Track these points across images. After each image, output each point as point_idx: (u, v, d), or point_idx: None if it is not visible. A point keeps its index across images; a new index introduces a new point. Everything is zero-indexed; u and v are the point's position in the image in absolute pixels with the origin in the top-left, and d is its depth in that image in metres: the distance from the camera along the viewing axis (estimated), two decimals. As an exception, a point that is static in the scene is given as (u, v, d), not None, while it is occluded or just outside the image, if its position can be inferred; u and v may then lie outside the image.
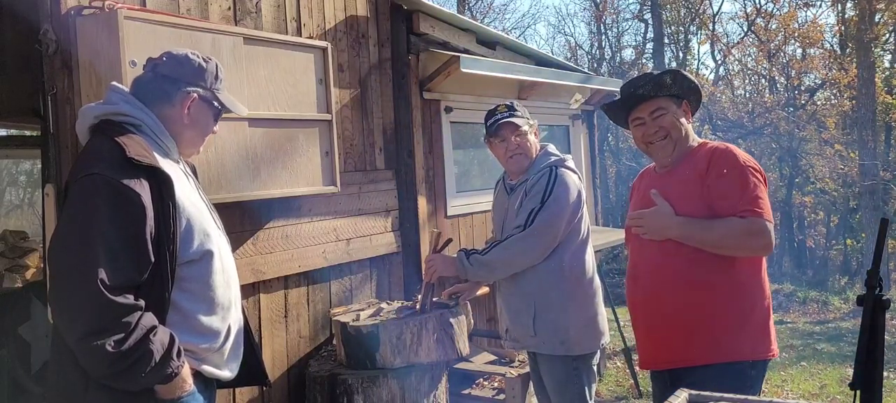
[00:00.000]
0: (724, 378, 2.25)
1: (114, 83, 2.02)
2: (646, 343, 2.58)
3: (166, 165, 1.86)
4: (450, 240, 3.16)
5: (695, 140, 2.51)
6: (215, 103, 2.03)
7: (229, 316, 2.01)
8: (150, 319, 1.75)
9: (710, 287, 2.34)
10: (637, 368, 5.07)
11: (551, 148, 3.03)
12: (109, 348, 1.67)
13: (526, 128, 2.94)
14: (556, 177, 2.84)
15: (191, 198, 1.93)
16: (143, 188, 1.75)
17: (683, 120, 2.48)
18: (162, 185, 1.80)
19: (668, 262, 2.40)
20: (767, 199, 2.34)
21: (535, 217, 2.78)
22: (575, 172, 2.93)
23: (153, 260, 1.77)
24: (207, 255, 1.92)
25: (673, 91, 2.47)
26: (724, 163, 2.35)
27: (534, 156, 2.97)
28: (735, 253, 2.32)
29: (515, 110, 2.95)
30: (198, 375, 1.93)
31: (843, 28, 17.39)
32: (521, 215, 2.83)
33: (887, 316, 1.66)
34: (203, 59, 2.02)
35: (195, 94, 1.97)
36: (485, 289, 3.34)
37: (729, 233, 2.28)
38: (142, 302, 1.75)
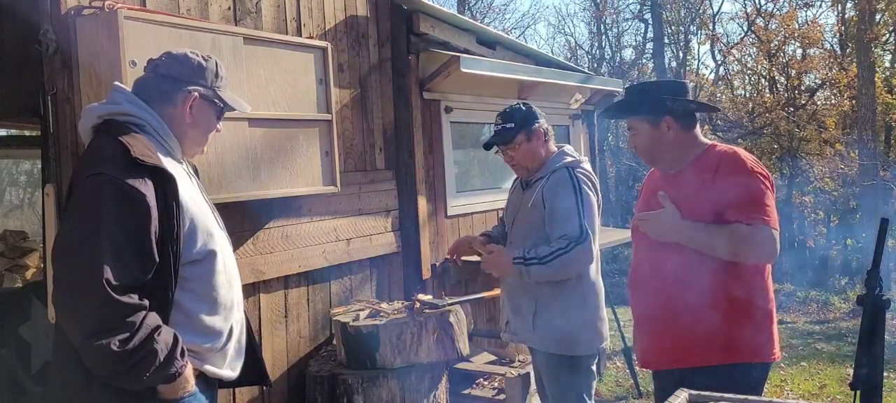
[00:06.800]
0: (725, 378, 2.25)
1: (116, 83, 2.02)
2: (647, 342, 2.58)
3: (170, 165, 1.87)
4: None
5: (701, 144, 2.50)
6: (217, 101, 2.03)
7: (232, 316, 2.01)
8: (154, 319, 1.75)
9: (710, 288, 2.34)
10: (637, 367, 5.07)
11: (567, 148, 3.00)
12: (114, 347, 1.67)
13: (515, 142, 2.91)
14: (579, 185, 2.82)
15: (194, 199, 1.93)
16: (147, 188, 1.76)
17: (664, 134, 2.47)
18: (166, 185, 1.80)
19: (670, 263, 2.41)
20: (774, 206, 2.33)
21: (587, 227, 2.74)
22: (591, 176, 2.92)
23: (157, 259, 1.77)
24: (210, 255, 1.92)
25: (642, 111, 2.48)
26: (732, 168, 2.35)
27: (534, 163, 2.94)
28: (740, 259, 2.32)
29: (509, 121, 2.91)
30: (200, 375, 1.93)
31: (843, 28, 17.38)
32: (563, 225, 2.75)
33: (887, 315, 1.66)
34: (203, 57, 2.01)
35: (196, 93, 1.97)
36: (496, 292, 3.33)
37: (734, 240, 2.28)
38: (146, 302, 1.75)
